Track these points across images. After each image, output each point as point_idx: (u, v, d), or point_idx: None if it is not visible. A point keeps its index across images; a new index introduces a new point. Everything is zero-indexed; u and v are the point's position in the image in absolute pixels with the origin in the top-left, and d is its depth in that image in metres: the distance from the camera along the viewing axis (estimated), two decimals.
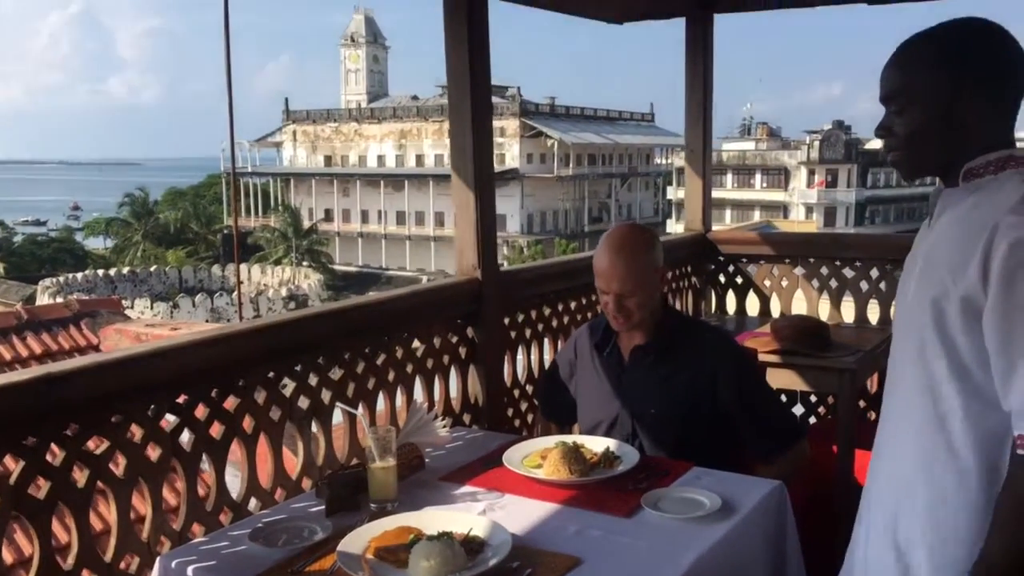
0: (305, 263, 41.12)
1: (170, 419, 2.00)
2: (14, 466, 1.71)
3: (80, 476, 1.82)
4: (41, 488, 1.75)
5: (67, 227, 62.56)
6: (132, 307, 24.52)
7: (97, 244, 53.28)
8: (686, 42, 3.99)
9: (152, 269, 35.19)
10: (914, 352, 1.45)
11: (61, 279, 30.68)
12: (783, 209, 48.15)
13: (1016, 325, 1.30)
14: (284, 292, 30.05)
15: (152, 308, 26.85)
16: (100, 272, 33.45)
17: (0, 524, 1.69)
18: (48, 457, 1.76)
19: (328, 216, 55.30)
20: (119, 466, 1.88)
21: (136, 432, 1.90)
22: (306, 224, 47.31)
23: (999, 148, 1.42)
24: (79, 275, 32.33)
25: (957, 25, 1.45)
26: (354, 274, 49.50)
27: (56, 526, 1.80)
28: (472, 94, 2.70)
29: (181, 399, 2.00)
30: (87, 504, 1.82)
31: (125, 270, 35.02)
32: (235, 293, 30.66)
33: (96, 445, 1.84)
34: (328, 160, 59.41)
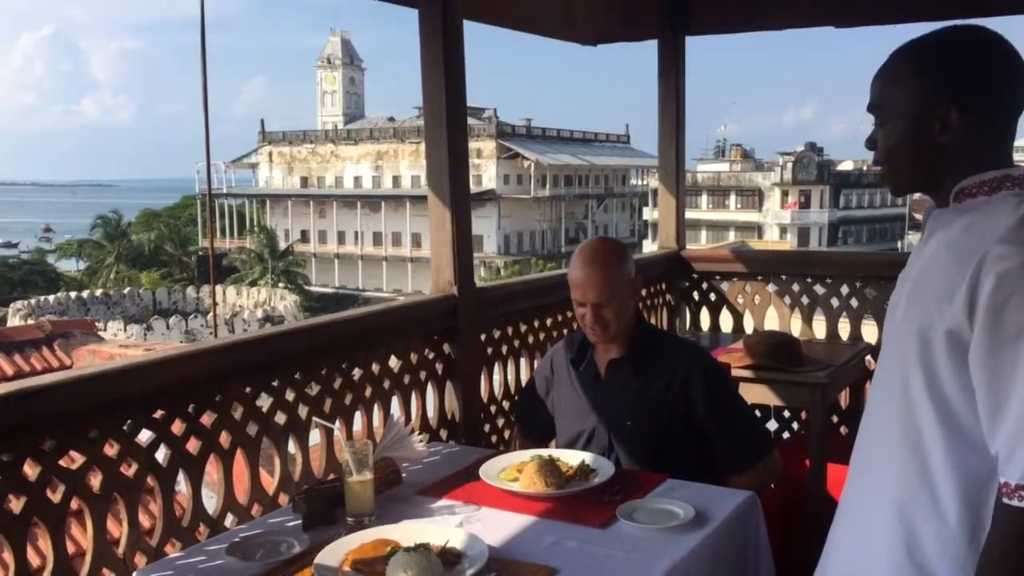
0: (281, 284, 40.88)
1: (146, 435, 2.00)
2: None
3: (55, 492, 1.81)
4: (16, 503, 1.74)
5: (39, 249, 61.81)
6: (105, 329, 24.22)
7: (69, 266, 52.66)
8: (659, 64, 4.07)
9: (126, 291, 34.81)
10: (897, 385, 1.37)
11: (33, 301, 30.28)
12: (757, 229, 48.65)
13: (1003, 363, 1.21)
14: (260, 313, 29.84)
15: (126, 330, 26.54)
16: (73, 294, 33.03)
17: None
18: (24, 472, 1.75)
19: (304, 237, 55.08)
20: (95, 482, 1.88)
21: (112, 448, 1.90)
22: (282, 245, 47.07)
23: (993, 167, 1.33)
24: (51, 297, 31.91)
25: (942, 35, 1.37)
26: (331, 295, 49.25)
27: (31, 542, 1.80)
28: (447, 112, 2.74)
29: (158, 414, 2.00)
30: (63, 520, 1.82)
31: (98, 292, 34.61)
32: (210, 315, 30.44)
33: (72, 461, 1.84)
34: (304, 181, 59.26)
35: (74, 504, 1.86)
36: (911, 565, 1.35)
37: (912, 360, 1.33)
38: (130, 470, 1.94)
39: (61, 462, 1.82)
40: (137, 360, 1.97)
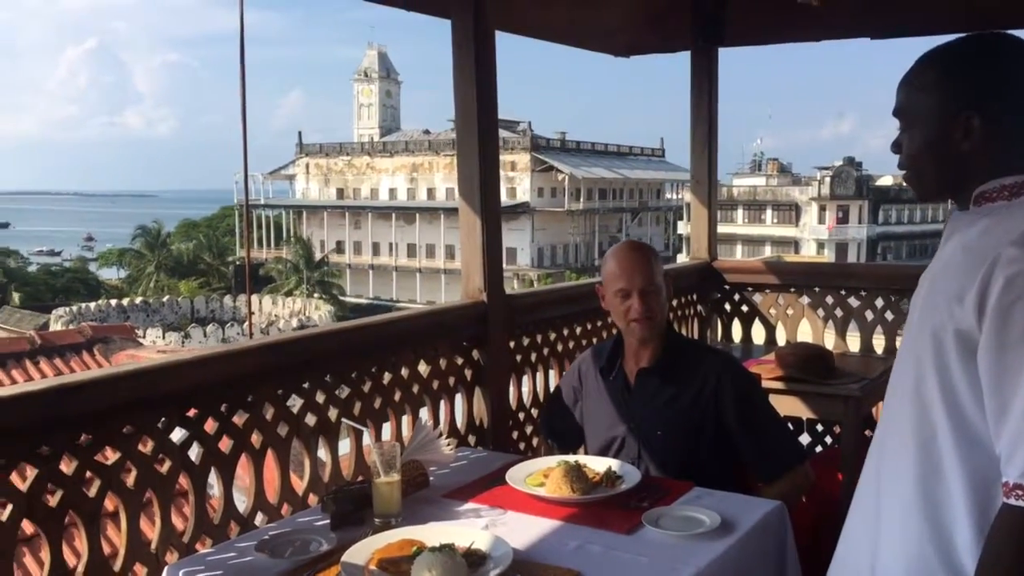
0: (316, 295, 41.26)
1: (179, 434, 2.04)
2: (28, 474, 1.76)
3: (91, 487, 1.85)
4: (53, 497, 1.79)
5: (81, 257, 63.10)
6: (144, 336, 24.61)
7: (110, 274, 53.69)
8: (692, 75, 4.07)
9: (165, 299, 35.39)
10: (912, 384, 1.39)
11: (74, 308, 30.89)
12: (794, 244, 48.15)
13: (1009, 364, 1.23)
14: (295, 323, 30.13)
15: (164, 338, 26.96)
16: (113, 302, 33.67)
17: (12, 530, 1.73)
18: (61, 466, 1.80)
19: (339, 248, 55.60)
20: (129, 477, 1.92)
21: (146, 444, 1.95)
22: (317, 256, 47.55)
23: (1015, 172, 1.35)
24: (92, 304, 32.54)
25: (966, 43, 1.39)
26: (365, 306, 49.57)
27: (67, 536, 1.84)
28: (479, 121, 2.77)
29: (191, 413, 2.04)
30: (97, 513, 1.86)
31: (138, 300, 35.23)
32: (246, 324, 30.81)
33: (107, 457, 1.88)
34: (340, 193, 59.86)
35: (108, 501, 1.91)
36: (923, 560, 1.36)
37: (926, 360, 1.35)
38: (163, 467, 1.98)
39: (97, 457, 1.86)
40: (172, 359, 2.02)
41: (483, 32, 2.72)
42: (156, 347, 9.21)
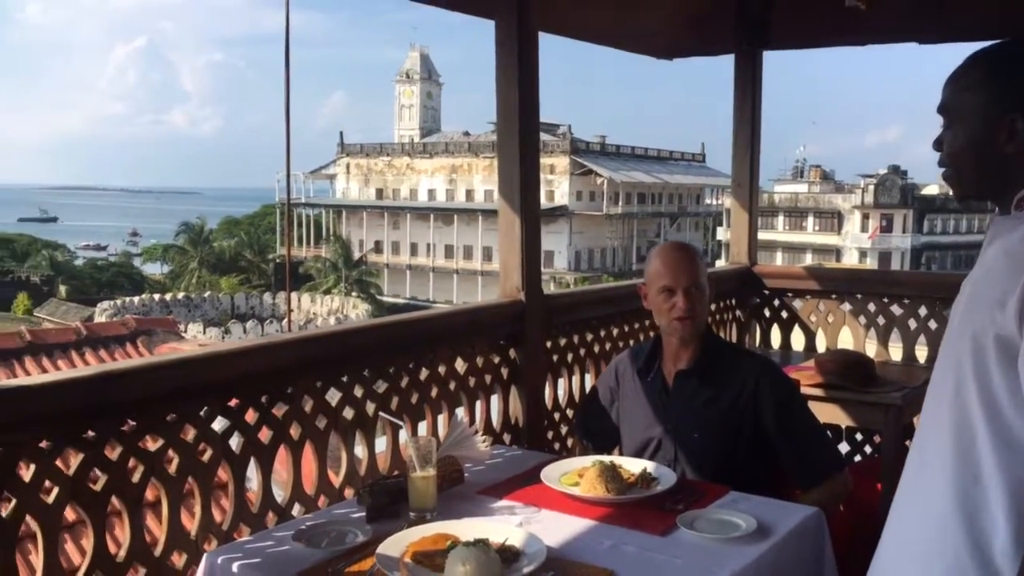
0: (354, 293, 41.63)
1: (219, 424, 2.07)
2: (74, 459, 1.80)
3: (135, 472, 1.89)
4: (98, 482, 1.83)
5: (126, 252, 64.34)
6: (186, 331, 25.03)
7: (154, 269, 54.68)
8: (735, 78, 4.04)
9: (206, 295, 35.94)
10: (951, 388, 1.38)
11: (119, 302, 31.52)
12: (836, 253, 47.49)
13: None
14: (332, 321, 30.43)
15: (205, 332, 27.39)
16: (156, 296, 34.28)
17: (58, 512, 1.77)
18: (106, 452, 1.84)
19: (378, 248, 56.03)
20: (172, 464, 1.96)
21: (188, 432, 1.98)
22: (356, 255, 47.97)
23: None
24: (136, 299, 33.16)
25: (1014, 45, 1.40)
26: (401, 306, 49.87)
27: (109, 523, 1.88)
28: (520, 121, 2.78)
29: (233, 403, 2.07)
30: (140, 499, 1.90)
31: (180, 295, 35.82)
32: (284, 320, 31.18)
33: (151, 443, 1.92)
34: (380, 193, 60.34)
35: (150, 488, 1.95)
36: (960, 566, 1.34)
37: (966, 364, 1.34)
38: (204, 455, 2.02)
39: (140, 444, 1.90)
40: (215, 349, 2.06)
41: (526, 33, 2.73)
42: (197, 341, 9.36)
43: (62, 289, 41.83)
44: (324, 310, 34.87)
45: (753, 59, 3.99)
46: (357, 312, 33.01)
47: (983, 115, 1.37)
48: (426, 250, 55.70)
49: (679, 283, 2.36)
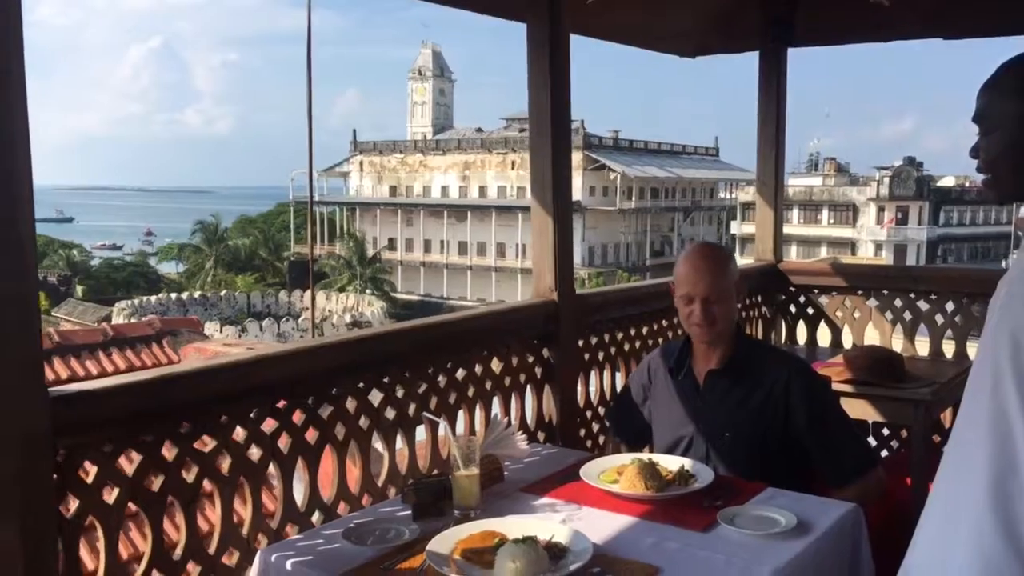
0: (368, 291, 41.78)
1: (270, 424, 2.12)
2: (133, 459, 1.85)
3: (189, 472, 1.95)
4: (155, 482, 1.89)
5: (141, 252, 64.71)
6: (203, 330, 25.20)
7: (170, 268, 54.99)
8: (759, 75, 4.06)
9: (222, 294, 36.19)
10: (989, 383, 1.39)
11: (136, 302, 31.79)
12: (851, 246, 47.24)
13: None
14: (348, 318, 30.59)
15: (221, 331, 27.58)
16: (173, 295, 34.55)
17: (119, 513, 1.83)
18: (163, 452, 1.90)
19: (392, 245, 56.16)
20: (224, 464, 2.01)
21: (240, 433, 2.03)
22: (370, 252, 48.12)
23: None
24: (153, 298, 33.45)
25: None
26: (416, 303, 50.05)
27: (166, 518, 1.93)
28: (552, 123, 2.82)
29: (281, 404, 2.12)
30: (196, 498, 1.95)
31: (196, 294, 36.08)
32: (300, 318, 31.35)
33: (204, 445, 1.98)
34: (393, 190, 60.47)
35: (204, 487, 2.00)
36: (995, 554, 1.35)
37: (1004, 361, 1.36)
38: (255, 455, 2.07)
39: (195, 445, 1.95)
40: (264, 353, 2.11)
41: (558, 36, 2.77)
42: (221, 339, 9.45)
43: (79, 289, 42.20)
44: (339, 307, 35.02)
45: (778, 56, 4.01)
46: (372, 310, 33.13)
47: (1019, 121, 1.39)
48: (440, 247, 55.81)
49: (697, 292, 2.39)
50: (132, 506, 1.87)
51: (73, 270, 46.64)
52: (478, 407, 2.71)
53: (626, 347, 3.28)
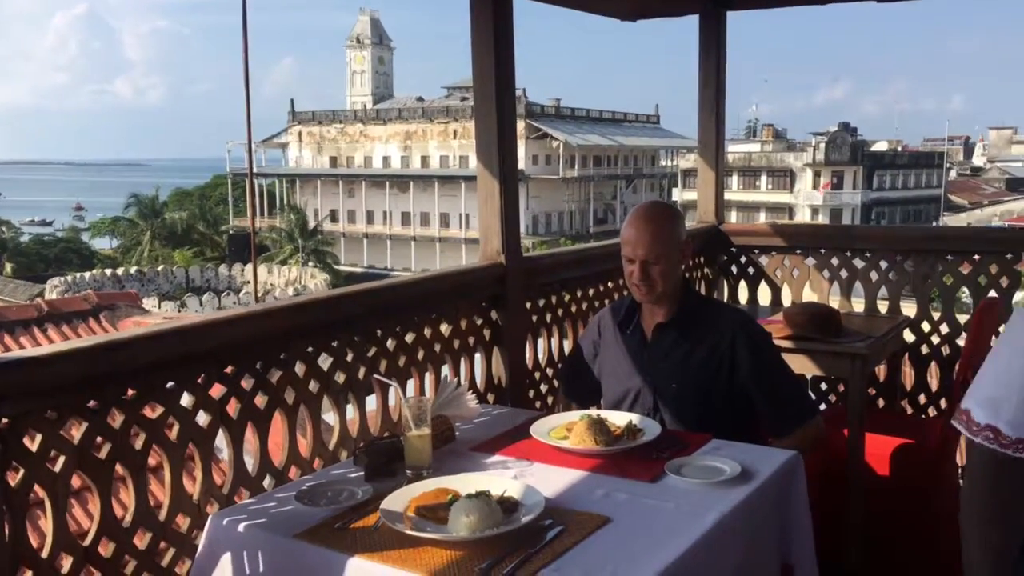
0: (311, 263, 41.24)
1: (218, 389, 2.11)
2: (79, 427, 1.82)
3: (137, 439, 1.92)
4: (102, 449, 1.86)
5: (73, 227, 62.76)
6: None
7: (103, 244, 53.48)
8: (700, 39, 4.09)
9: (159, 269, 35.33)
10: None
11: (69, 278, 30.83)
12: (789, 210, 48.21)
13: None
14: (291, 291, 30.17)
15: (160, 307, 26.98)
16: (108, 271, 33.58)
17: (65, 481, 1.80)
18: (109, 420, 1.87)
19: (333, 217, 55.47)
20: (172, 430, 1.99)
21: (187, 399, 2.01)
22: (311, 225, 47.44)
23: None
24: (87, 274, 32.47)
25: None
26: (359, 275, 49.52)
27: (114, 489, 1.91)
28: (497, 88, 2.81)
29: (228, 370, 2.10)
30: (144, 465, 1.93)
31: (133, 270, 35.16)
32: (241, 292, 30.84)
33: (152, 411, 1.95)
34: (334, 161, 59.61)
35: (152, 455, 1.98)
36: None
37: None
38: (204, 420, 2.05)
39: (142, 411, 1.93)
40: (210, 317, 2.08)
41: None
42: (161, 313, 9.26)
43: (8, 267, 40.77)
44: (281, 281, 34.51)
45: (718, 19, 4.05)
46: (316, 283, 32.73)
47: None
48: (382, 218, 55.29)
49: (637, 255, 2.43)
50: (81, 477, 1.85)
51: (2, 247, 45.03)
52: (428, 371, 2.72)
53: (574, 308, 3.32)
